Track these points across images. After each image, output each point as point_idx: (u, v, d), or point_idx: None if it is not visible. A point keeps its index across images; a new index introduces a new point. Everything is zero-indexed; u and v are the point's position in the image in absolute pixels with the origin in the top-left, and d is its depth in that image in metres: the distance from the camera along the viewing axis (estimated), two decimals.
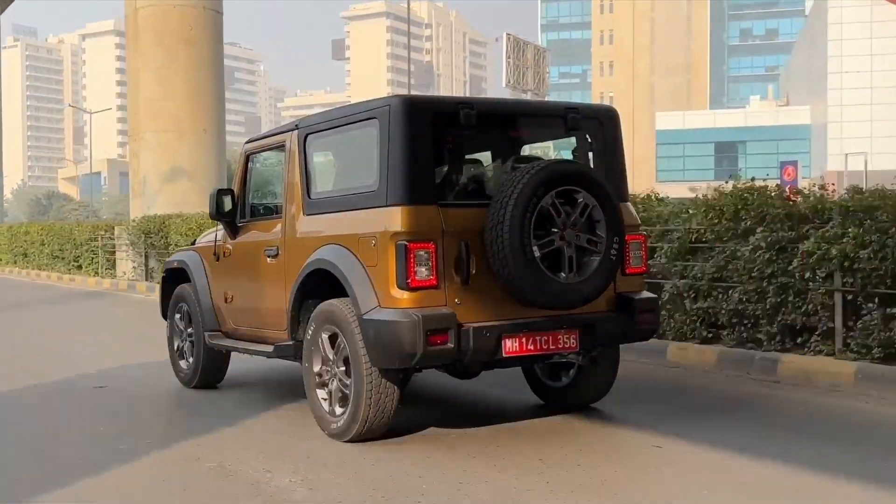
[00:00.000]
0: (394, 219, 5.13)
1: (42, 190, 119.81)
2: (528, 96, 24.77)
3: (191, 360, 7.46)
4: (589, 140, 5.88)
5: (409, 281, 5.06)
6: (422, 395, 6.76)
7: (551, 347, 5.42)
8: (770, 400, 6.47)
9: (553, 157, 5.63)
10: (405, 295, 5.08)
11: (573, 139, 6.02)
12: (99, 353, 9.67)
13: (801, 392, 6.66)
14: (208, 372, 7.35)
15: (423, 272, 5.08)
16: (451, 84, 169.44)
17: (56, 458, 5.40)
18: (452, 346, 5.06)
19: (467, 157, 5.83)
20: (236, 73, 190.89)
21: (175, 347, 7.70)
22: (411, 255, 5.05)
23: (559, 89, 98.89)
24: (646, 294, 5.90)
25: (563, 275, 5.27)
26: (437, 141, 5.30)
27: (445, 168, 5.46)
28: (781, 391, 6.75)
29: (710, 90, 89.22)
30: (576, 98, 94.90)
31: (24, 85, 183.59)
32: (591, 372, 6.09)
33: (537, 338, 5.37)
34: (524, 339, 5.33)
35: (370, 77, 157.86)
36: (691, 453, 5.11)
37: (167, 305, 7.88)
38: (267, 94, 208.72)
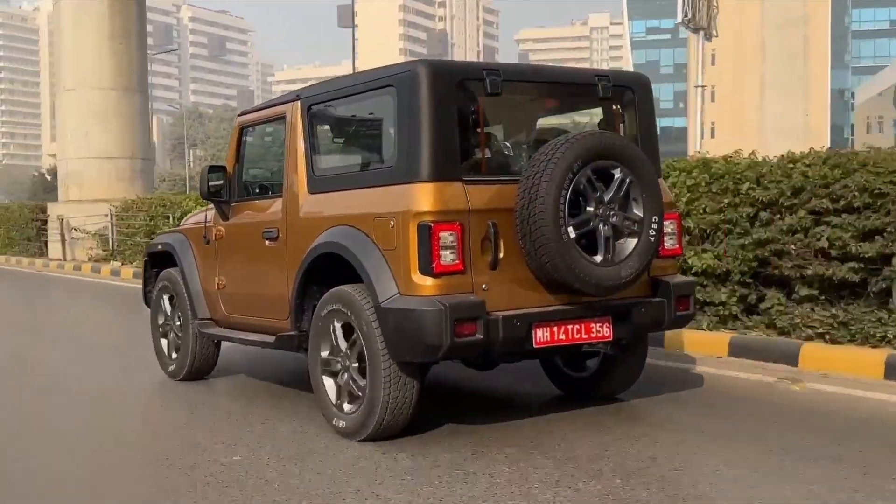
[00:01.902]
0: (416, 197, 4.64)
1: (19, 169, 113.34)
2: (700, 37, 21.61)
3: (177, 351, 6.94)
4: (619, 110, 5.42)
5: (433, 266, 4.58)
6: (433, 387, 6.29)
7: (583, 337, 4.98)
8: None
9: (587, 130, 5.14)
10: (428, 281, 4.60)
11: (599, 109, 5.56)
12: None
13: None
14: (197, 363, 6.83)
15: (448, 256, 4.60)
16: (464, 55, 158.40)
17: (25, 458, 4.88)
18: (482, 336, 4.59)
19: (493, 127, 5.34)
20: (228, 44, 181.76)
21: (160, 337, 7.17)
22: (436, 238, 4.57)
23: (646, 46, 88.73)
24: (682, 277, 5.47)
25: (598, 257, 4.83)
26: (461, 110, 4.81)
27: (470, 140, 4.97)
28: None
29: (830, 46, 70.58)
30: (666, 58, 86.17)
31: None
32: (617, 361, 5.66)
33: (569, 327, 4.92)
34: (556, 329, 4.88)
35: (381, 46, 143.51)
36: (732, 450, 4.70)
37: (150, 292, 7.36)
38: (258, 67, 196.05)
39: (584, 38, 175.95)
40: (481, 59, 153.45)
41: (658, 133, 5.54)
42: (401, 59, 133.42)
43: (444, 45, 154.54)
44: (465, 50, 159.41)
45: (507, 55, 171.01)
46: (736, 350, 7.12)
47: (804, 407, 5.63)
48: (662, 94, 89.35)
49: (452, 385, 6.48)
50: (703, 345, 7.34)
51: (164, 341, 7.14)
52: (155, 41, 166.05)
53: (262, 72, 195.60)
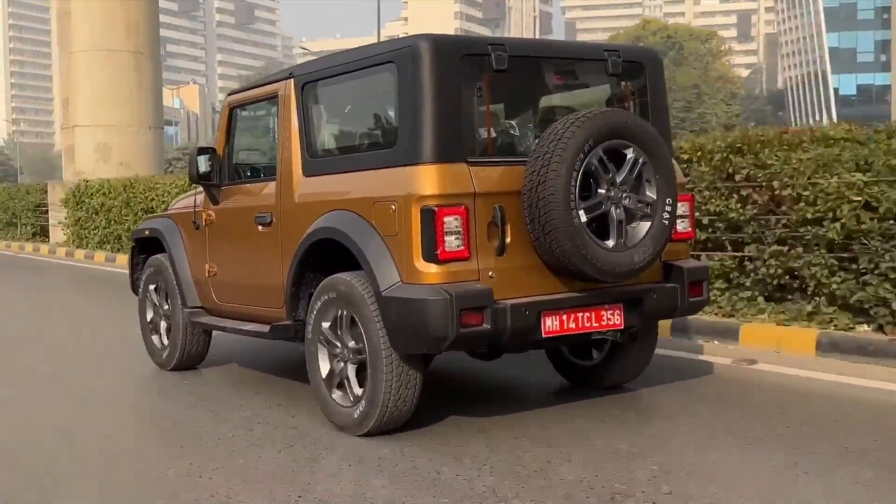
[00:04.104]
0: (418, 180, 4.39)
1: (33, 147, 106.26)
2: None
3: (167, 340, 6.69)
4: (629, 87, 5.17)
5: (437, 252, 4.34)
6: (433, 375, 6.06)
7: (594, 325, 4.76)
8: None
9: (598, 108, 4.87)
10: (433, 269, 4.36)
11: (607, 86, 5.31)
12: None
13: None
14: (188, 352, 6.58)
15: (453, 242, 4.36)
16: (521, 21, 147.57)
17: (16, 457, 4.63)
18: (489, 326, 4.36)
19: (499, 106, 5.10)
20: (256, 11, 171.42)
21: (149, 326, 6.91)
22: (440, 223, 4.33)
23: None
24: (694, 262, 5.24)
25: (610, 242, 4.59)
26: (465, 88, 4.56)
27: (475, 120, 4.73)
28: None
29: None
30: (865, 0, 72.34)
31: (7, 24, 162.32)
32: (626, 349, 5.43)
33: (579, 315, 4.70)
34: (565, 317, 4.65)
35: (433, 10, 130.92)
36: (742, 445, 4.49)
37: (137, 279, 7.09)
38: (281, 38, 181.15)
39: (636, 5, 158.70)
40: (538, 26, 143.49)
41: (669, 110, 5.30)
42: (456, 24, 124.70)
43: (502, 8, 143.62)
44: (521, 14, 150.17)
45: (558, 22, 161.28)
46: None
47: (824, 400, 5.44)
48: (860, 43, 74.94)
49: (453, 373, 6.25)
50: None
51: (152, 330, 6.88)
52: (180, 7, 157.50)
53: (285, 44, 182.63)
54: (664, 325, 7.09)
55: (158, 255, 6.71)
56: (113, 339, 8.18)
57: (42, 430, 5.23)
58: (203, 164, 5.92)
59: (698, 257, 7.16)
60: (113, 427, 5.37)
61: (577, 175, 4.41)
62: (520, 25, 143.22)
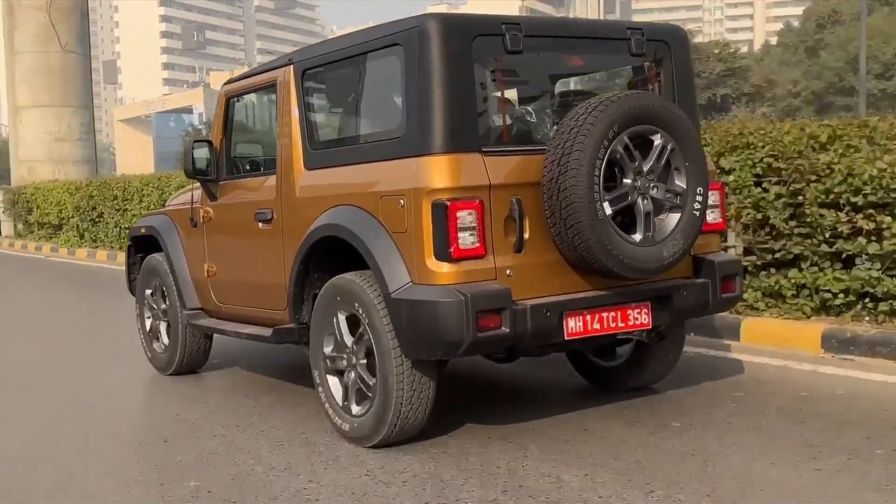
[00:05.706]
0: (429, 172, 4.05)
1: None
2: None
3: (167, 342, 6.37)
4: (654, 68, 4.81)
5: (450, 250, 4.00)
6: (447, 378, 5.72)
7: (619, 325, 4.42)
8: None
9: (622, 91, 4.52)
10: (445, 268, 4.03)
11: (630, 68, 4.96)
12: None
13: None
14: (188, 356, 6.26)
15: (467, 238, 4.02)
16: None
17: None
18: (507, 329, 4.02)
19: (514, 90, 4.75)
20: None
21: (147, 328, 6.59)
22: (453, 218, 3.99)
23: None
24: (726, 255, 4.90)
25: (637, 236, 4.24)
26: (478, 71, 4.21)
27: (488, 106, 4.39)
28: None
29: None
30: None
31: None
32: (653, 348, 5.09)
33: (604, 315, 4.36)
34: (589, 317, 4.31)
35: None
36: (776, 450, 4.14)
37: (134, 279, 6.77)
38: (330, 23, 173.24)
39: None
40: (602, 2, 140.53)
41: (697, 92, 4.94)
42: (519, 2, 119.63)
43: None
44: None
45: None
46: None
47: (846, 401, 5.09)
48: None
49: (468, 375, 5.91)
50: None
51: (151, 333, 6.57)
52: None
53: (322, 31, 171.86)
54: None
55: (156, 255, 6.39)
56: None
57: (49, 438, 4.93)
58: (199, 158, 5.59)
59: None
60: (110, 436, 5.06)
61: (601, 164, 4.07)
62: (584, 2, 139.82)
